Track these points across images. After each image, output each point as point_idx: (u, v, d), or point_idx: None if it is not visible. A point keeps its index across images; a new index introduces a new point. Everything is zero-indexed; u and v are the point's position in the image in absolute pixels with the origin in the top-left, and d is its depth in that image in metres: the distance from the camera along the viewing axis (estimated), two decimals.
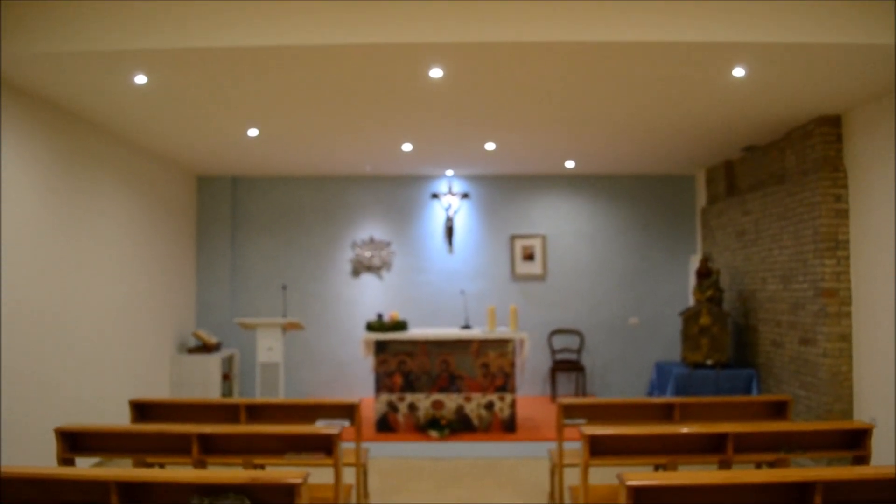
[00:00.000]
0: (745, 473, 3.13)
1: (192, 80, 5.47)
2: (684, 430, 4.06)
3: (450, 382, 7.82)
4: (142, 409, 5.14)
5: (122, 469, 3.28)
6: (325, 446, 4.13)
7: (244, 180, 10.13)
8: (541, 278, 10.16)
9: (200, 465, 4.12)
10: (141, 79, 5.34)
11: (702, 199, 9.91)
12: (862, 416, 6.31)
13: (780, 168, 7.54)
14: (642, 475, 3.04)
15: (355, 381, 9.88)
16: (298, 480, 3.06)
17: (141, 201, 8.07)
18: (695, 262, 9.50)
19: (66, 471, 3.31)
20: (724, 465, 4.07)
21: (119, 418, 6.73)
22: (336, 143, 7.89)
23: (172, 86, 5.60)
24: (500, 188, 10.22)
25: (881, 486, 3.18)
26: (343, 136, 7.48)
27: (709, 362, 7.92)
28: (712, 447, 4.08)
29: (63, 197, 6.36)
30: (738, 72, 5.25)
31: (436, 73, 5.25)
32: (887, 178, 5.98)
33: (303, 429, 4.14)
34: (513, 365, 7.83)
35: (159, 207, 8.62)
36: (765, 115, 6.66)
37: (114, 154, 7.40)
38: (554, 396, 9.63)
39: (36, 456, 5.50)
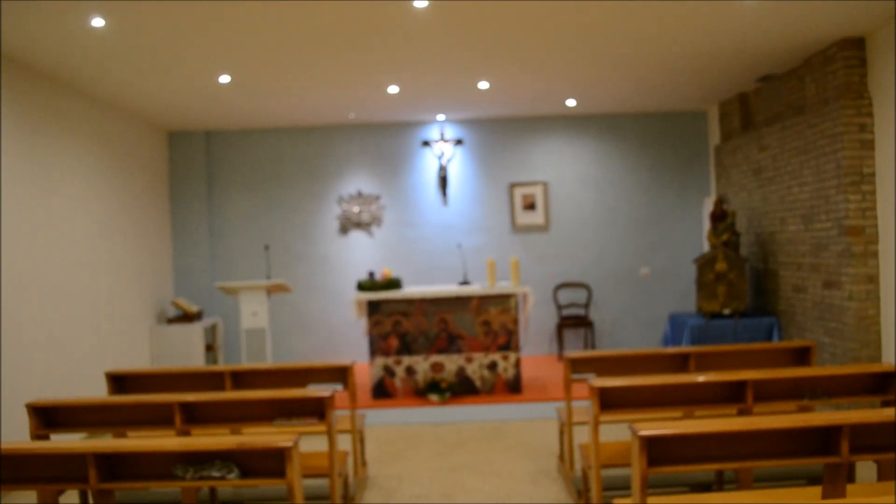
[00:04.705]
0: (766, 419, 3.15)
1: (153, 22, 5.36)
2: (700, 378, 4.08)
3: (449, 343, 7.85)
4: (119, 381, 5.15)
5: (100, 440, 3.30)
6: (317, 410, 4.15)
7: (218, 134, 10.03)
8: (543, 229, 10.14)
9: (184, 435, 4.14)
10: (98, 21, 5.23)
11: (715, 136, 9.85)
12: (890, 362, 6.36)
13: (799, 98, 7.48)
14: (656, 424, 3.06)
15: (348, 346, 9.92)
16: (289, 444, 3.08)
17: (109, 161, 8.00)
18: (709, 205, 9.48)
19: (40, 445, 3.32)
20: (744, 414, 4.10)
21: (96, 395, 6.76)
22: (315, 89, 7.79)
23: (132, 29, 5.49)
24: (497, 133, 10.14)
25: None
26: (323, 79, 7.38)
27: (726, 311, 7.95)
28: (730, 396, 4.10)
29: (25, 158, 6.28)
30: None
31: (420, 2, 5.15)
32: None
33: (292, 393, 4.16)
34: (516, 321, 7.86)
35: (129, 167, 8.55)
36: (781, 39, 6.57)
37: (77, 110, 7.30)
38: (561, 355, 9.69)
39: (7, 436, 5.54)
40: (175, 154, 9.91)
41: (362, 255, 10.10)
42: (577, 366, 5.14)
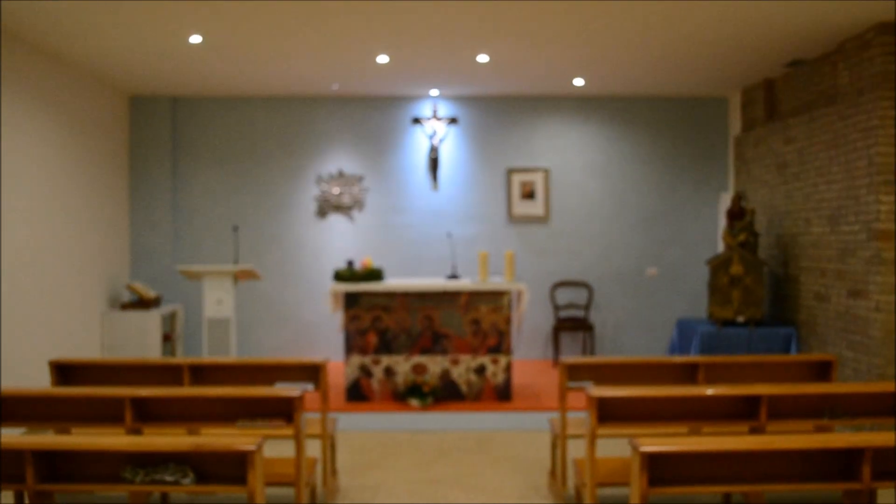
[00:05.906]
0: (781, 439, 3.16)
1: None
2: (709, 391, 4.08)
3: (434, 342, 7.84)
4: (65, 372, 5.12)
5: (41, 436, 3.26)
6: (284, 412, 4.13)
7: (186, 101, 9.96)
8: (543, 220, 10.14)
9: (135, 434, 4.12)
10: None
11: (736, 125, 9.86)
12: None
13: (830, 86, 7.49)
14: (658, 440, 3.05)
15: (322, 342, 9.90)
16: (251, 448, 3.05)
17: (62, 125, 7.92)
18: (726, 201, 9.50)
19: None
20: (756, 432, 4.11)
21: (38, 386, 6.72)
22: (296, 54, 7.74)
23: None
24: (495, 112, 10.12)
25: None
26: (305, 44, 7.34)
27: (740, 319, 7.97)
28: (742, 412, 4.11)
29: None
30: None
31: None
32: None
33: (257, 391, 4.15)
34: (508, 321, 7.85)
35: (84, 133, 8.47)
36: (814, 21, 6.57)
37: (27, 67, 7.21)
38: (557, 360, 9.71)
39: None
40: (137, 121, 9.83)
41: (341, 241, 10.07)
42: (573, 373, 5.14)
